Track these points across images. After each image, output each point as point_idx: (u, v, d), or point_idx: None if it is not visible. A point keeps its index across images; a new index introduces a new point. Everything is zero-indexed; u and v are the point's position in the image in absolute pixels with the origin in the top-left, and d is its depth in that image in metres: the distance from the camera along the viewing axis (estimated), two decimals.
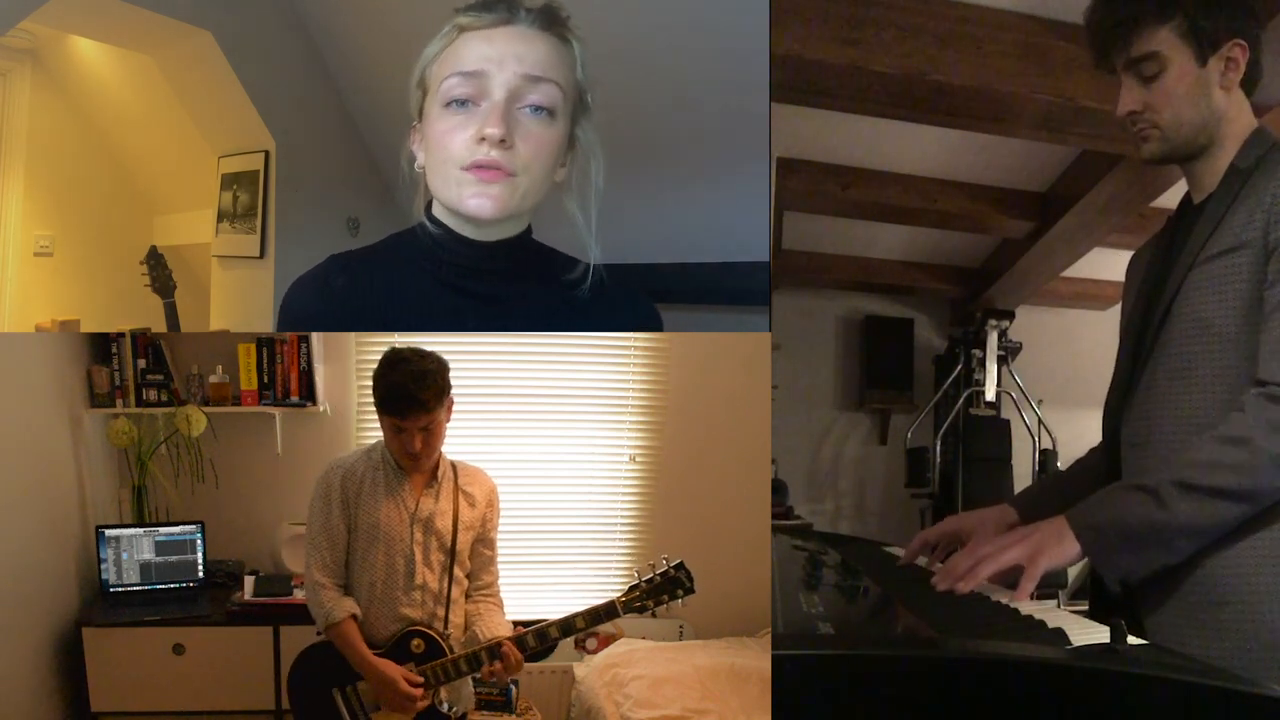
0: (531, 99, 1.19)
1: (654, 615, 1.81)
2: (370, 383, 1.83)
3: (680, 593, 1.79)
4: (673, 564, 1.80)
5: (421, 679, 1.79)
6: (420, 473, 1.87)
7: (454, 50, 1.21)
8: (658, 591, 1.79)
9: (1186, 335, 1.34)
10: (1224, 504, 1.21)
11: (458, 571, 1.87)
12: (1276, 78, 2.86)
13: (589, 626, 1.79)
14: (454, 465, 1.93)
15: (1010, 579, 1.27)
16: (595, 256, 1.28)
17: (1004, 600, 1.24)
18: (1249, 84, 1.41)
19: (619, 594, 1.81)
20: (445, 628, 1.85)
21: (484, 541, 1.93)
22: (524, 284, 1.29)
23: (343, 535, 1.84)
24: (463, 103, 1.18)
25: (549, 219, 1.32)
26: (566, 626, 1.80)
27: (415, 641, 1.82)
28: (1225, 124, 1.39)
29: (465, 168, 1.18)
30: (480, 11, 1.20)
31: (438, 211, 1.27)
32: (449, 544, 1.86)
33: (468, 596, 1.92)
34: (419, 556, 1.83)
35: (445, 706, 1.83)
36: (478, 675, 1.88)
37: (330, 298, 1.28)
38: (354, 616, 1.81)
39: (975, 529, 1.59)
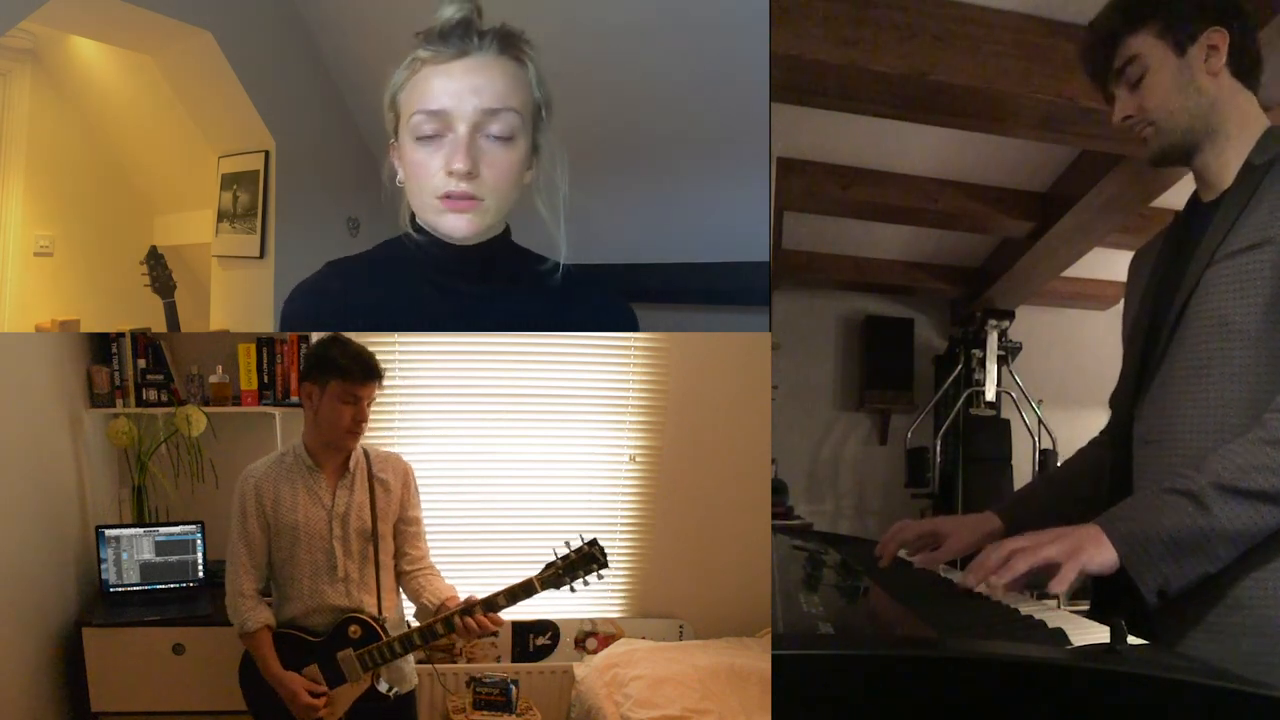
0: (492, 129, 1.27)
1: (572, 590, 1.89)
2: None
3: (595, 567, 1.89)
4: (586, 541, 1.90)
5: (325, 690, 1.90)
6: (334, 464, 1.97)
7: (417, 84, 1.28)
8: (573, 568, 1.88)
9: (1205, 332, 1.33)
10: (1267, 508, 1.19)
11: (383, 558, 1.98)
12: (1277, 79, 2.86)
13: (509, 604, 1.87)
14: (366, 453, 2.01)
15: (1038, 580, 1.23)
16: (564, 247, 1.37)
17: (1004, 600, 1.24)
18: (1245, 72, 1.40)
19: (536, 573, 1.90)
20: (379, 613, 1.95)
21: (405, 520, 2.02)
22: (502, 283, 1.38)
23: (261, 543, 1.95)
24: (431, 136, 1.27)
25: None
26: (490, 605, 1.88)
27: (352, 628, 1.92)
28: (1220, 112, 1.39)
29: (439, 196, 1.28)
30: (438, 45, 1.26)
31: (421, 220, 1.35)
32: (369, 532, 1.95)
33: (405, 574, 2.02)
34: (339, 550, 1.93)
35: (384, 687, 1.93)
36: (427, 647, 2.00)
37: (329, 302, 1.37)
38: (268, 627, 1.93)
39: (953, 532, 1.59)
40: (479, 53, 1.27)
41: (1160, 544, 1.20)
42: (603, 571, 1.90)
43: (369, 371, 1.90)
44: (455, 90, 1.26)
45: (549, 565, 1.88)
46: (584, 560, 1.88)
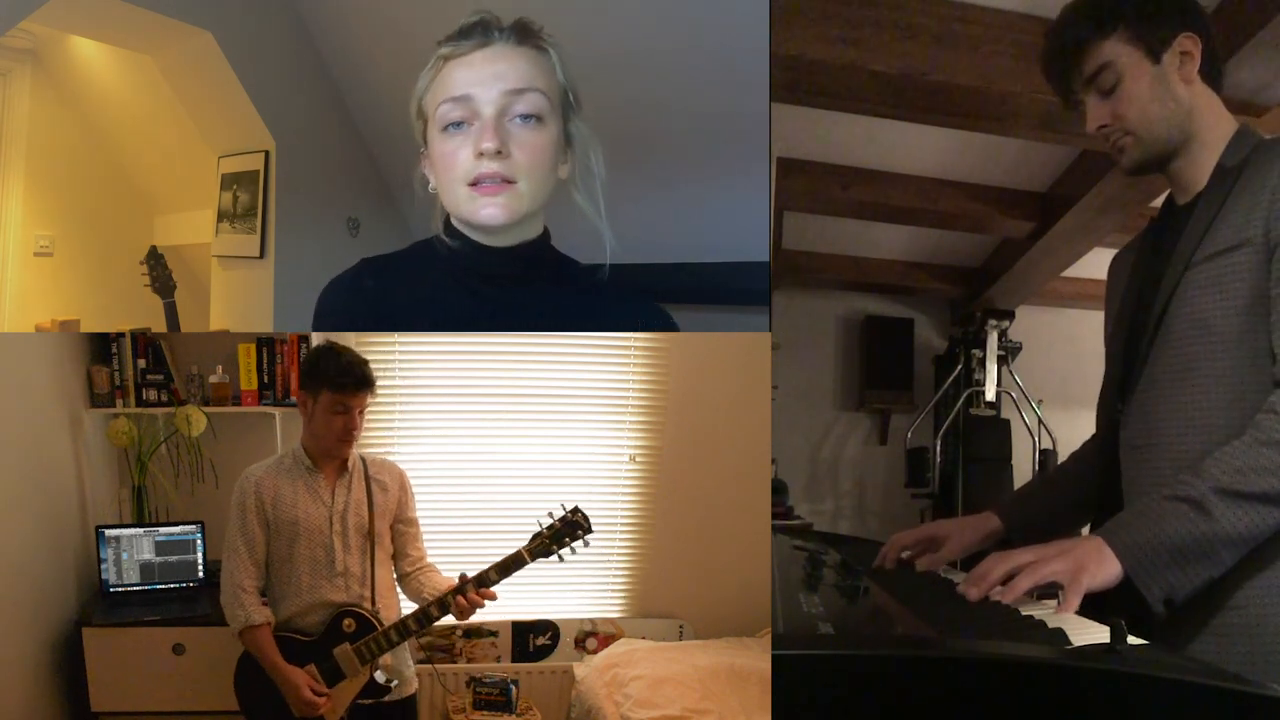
0: (518, 109, 1.27)
1: (560, 559, 1.93)
2: None
3: (580, 533, 1.92)
4: (569, 509, 1.93)
5: (326, 687, 1.90)
6: (332, 466, 1.99)
7: (441, 80, 1.29)
8: (559, 536, 1.92)
9: (1186, 336, 1.33)
10: (1269, 510, 1.19)
11: (379, 554, 2.00)
12: (1277, 79, 2.87)
13: (501, 578, 1.91)
14: (362, 458, 2.05)
15: (1039, 590, 1.23)
16: (610, 241, 1.35)
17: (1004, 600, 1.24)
18: (1212, 78, 1.41)
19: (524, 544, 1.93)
20: (373, 605, 1.96)
21: (403, 521, 2.06)
22: (540, 286, 1.36)
23: (261, 540, 1.96)
24: (458, 124, 1.27)
25: (564, 216, 1.38)
26: (482, 580, 1.91)
27: (346, 622, 1.93)
28: (1196, 119, 1.39)
29: (471, 183, 1.27)
30: (459, 40, 1.29)
31: (456, 224, 1.34)
32: (367, 528, 1.98)
33: (405, 575, 2.05)
34: (338, 545, 1.95)
35: (382, 678, 1.94)
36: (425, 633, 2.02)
37: (362, 298, 1.38)
38: (268, 623, 1.93)
39: (953, 534, 1.58)
40: (499, 43, 1.29)
41: (1164, 552, 1.19)
42: (588, 537, 1.94)
43: (359, 381, 1.92)
44: (478, 77, 1.27)
45: (535, 536, 1.92)
46: (569, 527, 1.92)
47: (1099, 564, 1.20)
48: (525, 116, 1.27)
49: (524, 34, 1.30)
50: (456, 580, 1.98)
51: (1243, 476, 1.19)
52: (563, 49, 1.32)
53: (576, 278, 1.38)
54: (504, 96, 1.26)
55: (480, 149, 1.25)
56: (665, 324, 1.42)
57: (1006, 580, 1.23)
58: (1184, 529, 1.19)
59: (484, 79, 1.26)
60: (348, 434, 1.95)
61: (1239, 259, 1.29)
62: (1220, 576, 1.22)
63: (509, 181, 1.27)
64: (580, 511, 1.93)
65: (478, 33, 1.28)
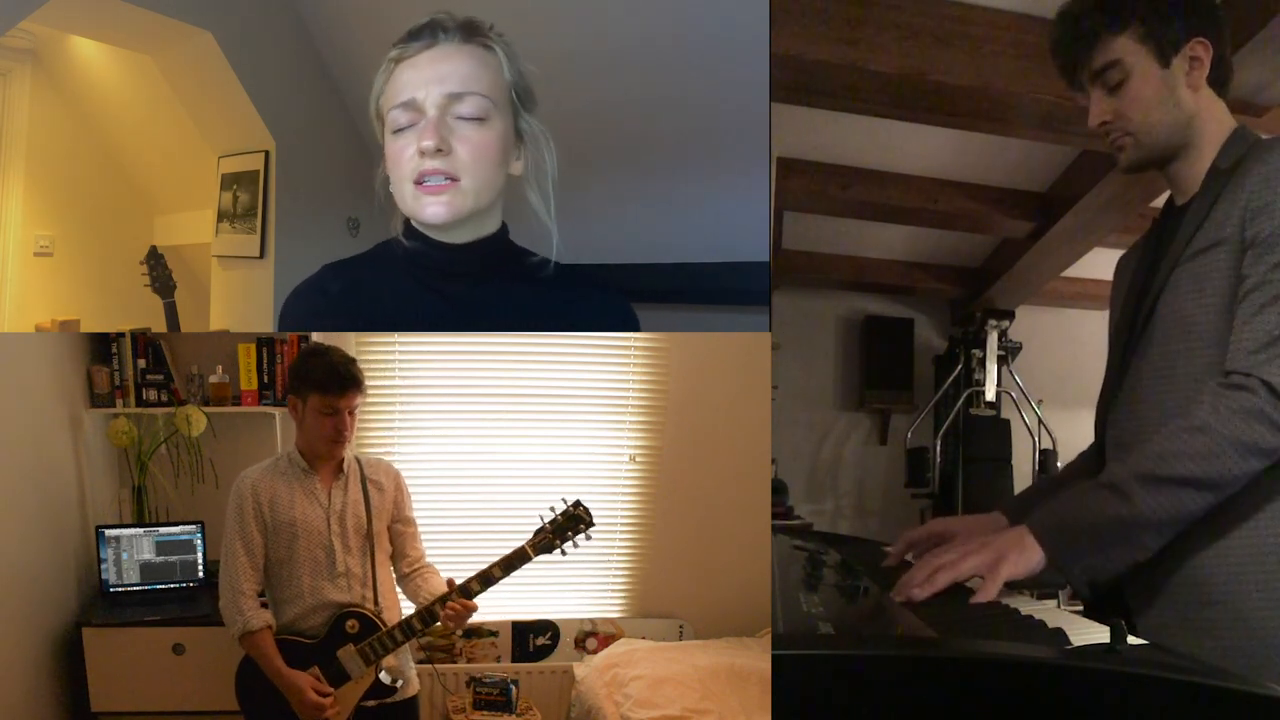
0: (460, 110, 1.29)
1: (563, 553, 1.94)
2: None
3: (582, 527, 1.93)
4: (571, 503, 1.94)
5: (331, 689, 1.90)
6: (328, 468, 1.99)
7: (392, 82, 1.32)
8: (562, 530, 1.93)
9: (1168, 334, 1.35)
10: (1188, 493, 1.20)
11: (379, 555, 1.99)
12: (1277, 79, 2.87)
13: (505, 575, 1.91)
14: (358, 459, 2.05)
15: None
16: (556, 239, 1.37)
17: (1004, 601, 1.24)
18: (1220, 82, 1.41)
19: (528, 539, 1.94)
20: (376, 606, 1.95)
21: (401, 520, 2.06)
22: (498, 283, 1.37)
23: (259, 543, 1.96)
24: (405, 128, 1.29)
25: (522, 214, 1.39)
26: (486, 578, 1.91)
27: (350, 623, 1.93)
28: (1199, 124, 1.39)
29: (415, 181, 1.29)
30: (408, 41, 1.31)
31: (415, 224, 1.36)
32: (365, 528, 1.98)
33: (404, 577, 2.05)
34: (338, 546, 1.95)
35: (387, 679, 1.94)
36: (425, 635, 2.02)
37: (326, 304, 1.38)
38: (269, 627, 1.92)
39: (960, 532, 1.58)
40: (445, 43, 1.30)
41: (1084, 536, 1.22)
42: (590, 531, 1.94)
43: (345, 382, 1.92)
44: (422, 79, 1.28)
45: (538, 531, 1.93)
46: (571, 521, 1.93)
47: (1020, 553, 1.22)
48: (467, 117, 1.29)
49: (470, 33, 1.31)
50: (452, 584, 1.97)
51: (1163, 461, 1.21)
52: (510, 46, 1.33)
53: (537, 272, 1.38)
54: (445, 98, 1.28)
55: (420, 147, 1.26)
56: (626, 320, 1.42)
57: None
58: (1104, 513, 1.22)
59: (427, 80, 1.28)
60: (339, 435, 1.94)
61: (1217, 257, 1.30)
62: (1194, 567, 1.24)
63: (453, 179, 1.28)
64: (582, 505, 1.94)
65: (425, 34, 1.30)
